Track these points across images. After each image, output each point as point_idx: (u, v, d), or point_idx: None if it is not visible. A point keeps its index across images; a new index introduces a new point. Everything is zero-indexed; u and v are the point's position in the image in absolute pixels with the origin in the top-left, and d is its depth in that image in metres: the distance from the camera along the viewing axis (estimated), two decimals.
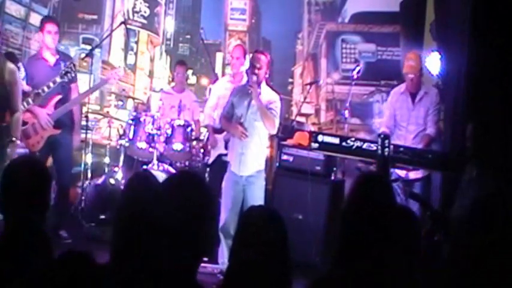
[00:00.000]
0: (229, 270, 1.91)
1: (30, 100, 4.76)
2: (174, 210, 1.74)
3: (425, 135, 5.02)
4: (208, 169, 5.70)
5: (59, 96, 5.05)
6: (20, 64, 5.39)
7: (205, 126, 5.71)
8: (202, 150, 5.94)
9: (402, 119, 5.15)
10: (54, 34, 5.13)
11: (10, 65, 4.39)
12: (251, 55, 4.71)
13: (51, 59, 5.08)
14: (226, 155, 5.13)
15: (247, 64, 5.30)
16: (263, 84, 4.60)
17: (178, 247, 1.72)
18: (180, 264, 1.69)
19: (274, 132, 4.72)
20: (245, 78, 5.34)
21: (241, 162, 4.50)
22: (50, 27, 5.11)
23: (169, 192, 1.83)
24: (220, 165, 5.26)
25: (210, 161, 5.55)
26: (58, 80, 4.76)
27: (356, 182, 2.28)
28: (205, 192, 1.88)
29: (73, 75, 4.78)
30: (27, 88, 4.84)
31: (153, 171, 5.21)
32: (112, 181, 5.88)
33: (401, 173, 4.89)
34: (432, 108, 5.07)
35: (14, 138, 4.35)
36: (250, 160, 4.52)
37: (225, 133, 5.12)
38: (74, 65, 4.79)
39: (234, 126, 4.55)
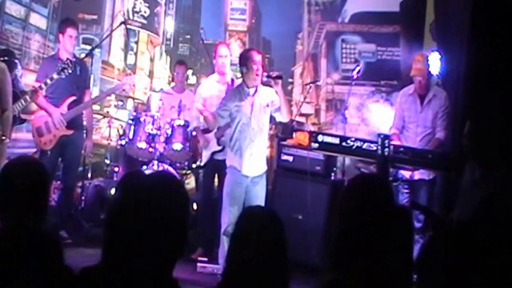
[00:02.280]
0: (227, 270, 1.91)
1: (28, 97, 4.77)
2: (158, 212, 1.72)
3: (435, 139, 4.96)
4: (201, 171, 5.65)
5: (73, 98, 5.09)
6: (17, 61, 5.42)
7: (194, 130, 5.56)
8: (191, 154, 5.80)
9: (410, 120, 5.11)
10: (74, 39, 5.18)
11: (1, 64, 4.40)
12: (255, 55, 4.54)
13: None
14: (219, 151, 5.10)
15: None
16: (260, 85, 4.56)
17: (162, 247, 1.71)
18: (159, 265, 1.68)
19: (288, 119, 4.73)
20: (229, 77, 5.32)
21: (252, 163, 4.46)
22: (71, 31, 5.14)
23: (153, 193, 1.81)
24: (213, 165, 5.24)
25: (203, 162, 5.46)
26: (55, 76, 4.76)
27: (352, 181, 2.28)
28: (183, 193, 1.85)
29: (70, 71, 4.78)
30: (37, 85, 4.86)
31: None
32: (113, 192, 5.84)
33: (406, 173, 4.88)
34: (441, 112, 5.00)
35: (4, 137, 4.37)
36: (258, 160, 4.51)
37: (215, 131, 5.08)
38: (71, 61, 4.80)
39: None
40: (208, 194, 5.45)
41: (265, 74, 4.47)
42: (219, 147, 5.12)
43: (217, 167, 5.16)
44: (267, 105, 4.51)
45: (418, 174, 4.89)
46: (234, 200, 4.42)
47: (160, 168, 5.50)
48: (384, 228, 1.94)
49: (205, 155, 5.42)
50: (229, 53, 5.38)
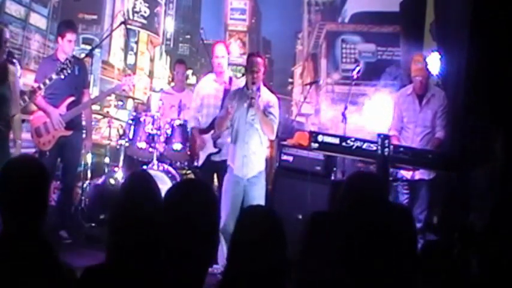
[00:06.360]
0: (228, 269, 1.91)
1: (26, 98, 4.78)
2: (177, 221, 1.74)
3: (435, 139, 4.97)
4: (198, 171, 5.62)
5: (72, 98, 5.09)
6: (15, 61, 5.43)
7: (191, 129, 5.49)
8: (189, 153, 5.77)
9: (409, 120, 5.10)
10: (73, 43, 5.19)
11: (11, 67, 4.44)
12: (248, 60, 4.59)
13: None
14: (216, 153, 5.09)
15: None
16: (261, 86, 4.59)
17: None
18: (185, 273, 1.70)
19: (273, 137, 4.69)
20: (227, 76, 5.30)
21: (244, 165, 4.49)
22: (71, 36, 5.13)
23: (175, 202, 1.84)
24: (210, 166, 5.22)
25: (200, 162, 5.39)
26: (54, 76, 4.76)
27: (347, 179, 2.28)
28: (211, 202, 1.89)
29: (69, 71, 4.77)
30: (36, 85, 4.87)
31: (152, 171, 5.20)
32: (112, 181, 5.86)
33: (407, 174, 4.87)
34: (440, 111, 5.00)
35: (18, 141, 4.42)
36: (253, 162, 4.52)
37: (212, 132, 5.07)
38: (70, 61, 4.79)
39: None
40: None
41: (254, 88, 4.46)
42: (215, 150, 5.11)
43: (214, 167, 5.15)
44: (264, 110, 4.53)
45: (418, 174, 4.89)
46: (232, 198, 4.46)
47: (161, 168, 5.50)
48: (383, 226, 1.93)
49: (201, 157, 5.37)
50: (226, 53, 5.35)
